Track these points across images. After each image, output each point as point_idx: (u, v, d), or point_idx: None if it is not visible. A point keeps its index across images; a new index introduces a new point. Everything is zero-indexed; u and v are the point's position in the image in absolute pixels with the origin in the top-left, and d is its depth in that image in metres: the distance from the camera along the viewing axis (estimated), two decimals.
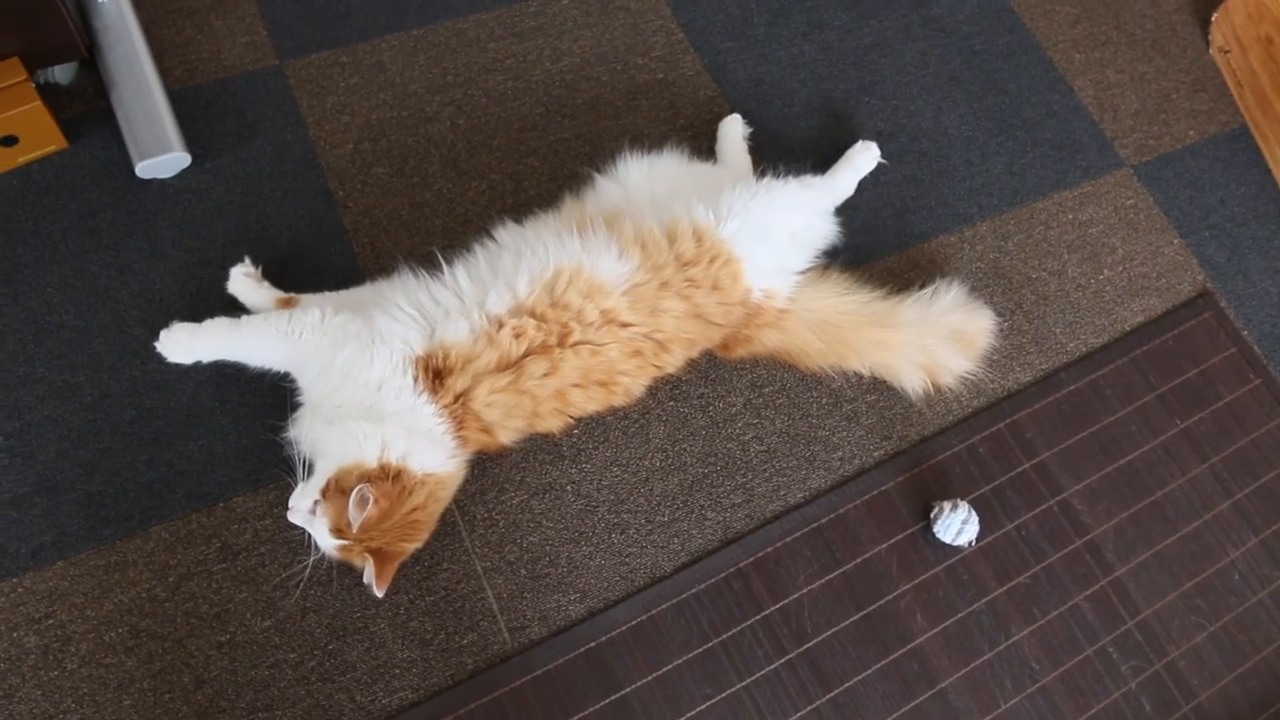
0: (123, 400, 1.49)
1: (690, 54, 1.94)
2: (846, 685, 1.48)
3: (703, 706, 1.44)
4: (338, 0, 1.87)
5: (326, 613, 1.41)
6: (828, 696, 1.47)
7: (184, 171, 1.65)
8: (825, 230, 1.64)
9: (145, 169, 1.61)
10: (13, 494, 1.41)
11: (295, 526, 1.39)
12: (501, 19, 1.92)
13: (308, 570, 1.40)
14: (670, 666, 1.45)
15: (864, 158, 1.77)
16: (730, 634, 1.48)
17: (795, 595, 1.52)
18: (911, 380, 1.64)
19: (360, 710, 1.37)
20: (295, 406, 1.42)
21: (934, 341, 1.62)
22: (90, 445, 1.45)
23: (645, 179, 1.60)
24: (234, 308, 1.53)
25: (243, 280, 1.52)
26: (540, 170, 1.78)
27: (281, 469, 1.45)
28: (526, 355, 1.37)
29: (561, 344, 1.38)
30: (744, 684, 1.46)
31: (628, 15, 1.97)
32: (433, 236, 1.68)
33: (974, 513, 1.56)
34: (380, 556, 1.33)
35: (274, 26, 1.83)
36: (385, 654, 1.40)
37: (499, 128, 1.81)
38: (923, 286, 1.69)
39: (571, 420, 1.47)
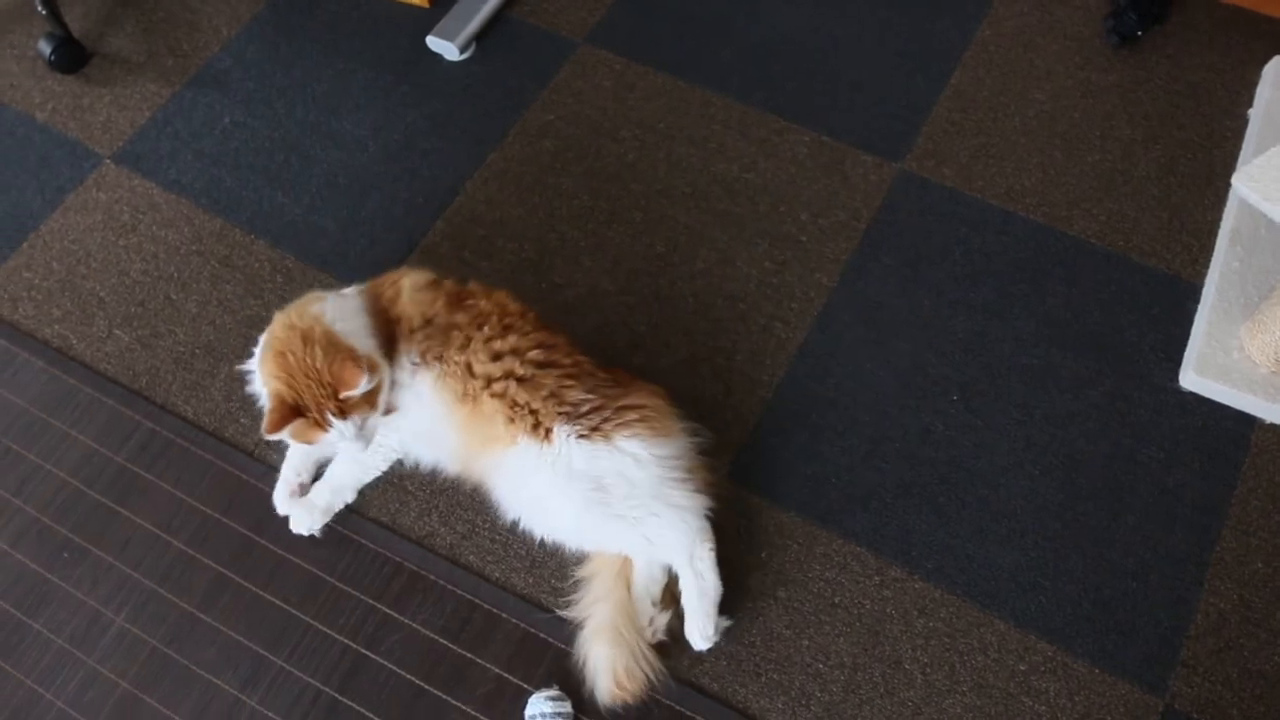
0: None
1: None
2: None
3: None
4: (661, 28, 2.30)
5: None
6: None
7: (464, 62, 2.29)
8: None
9: (433, 43, 2.30)
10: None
11: None
12: (747, 115, 2.16)
13: None
14: None
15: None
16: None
17: None
18: None
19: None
20: None
21: None
22: None
23: None
24: None
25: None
26: (635, 227, 2.05)
27: None
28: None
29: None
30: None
31: (844, 181, 2.07)
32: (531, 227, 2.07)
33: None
34: None
35: (607, 20, 2.32)
36: None
37: (645, 175, 2.10)
38: None
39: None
